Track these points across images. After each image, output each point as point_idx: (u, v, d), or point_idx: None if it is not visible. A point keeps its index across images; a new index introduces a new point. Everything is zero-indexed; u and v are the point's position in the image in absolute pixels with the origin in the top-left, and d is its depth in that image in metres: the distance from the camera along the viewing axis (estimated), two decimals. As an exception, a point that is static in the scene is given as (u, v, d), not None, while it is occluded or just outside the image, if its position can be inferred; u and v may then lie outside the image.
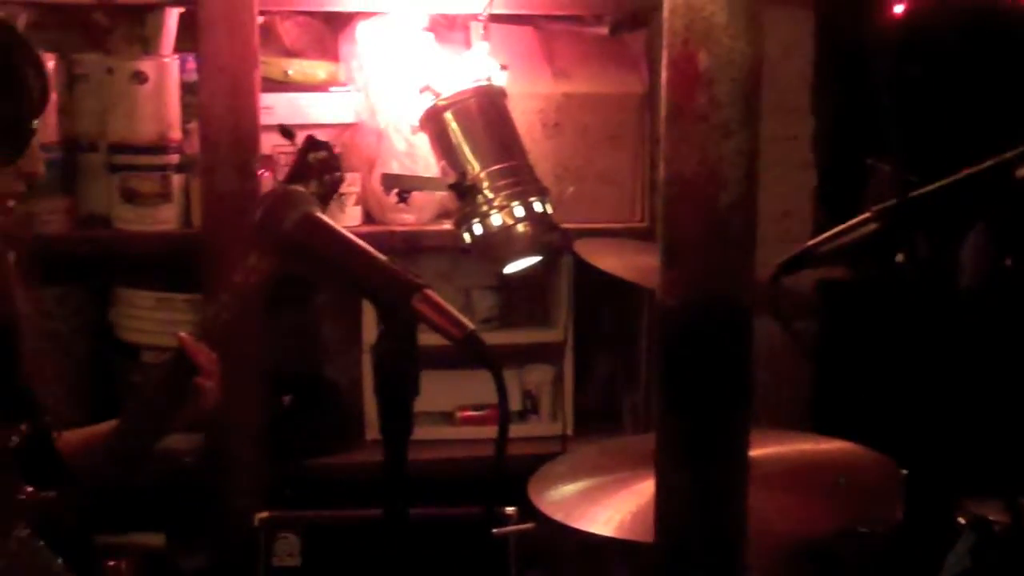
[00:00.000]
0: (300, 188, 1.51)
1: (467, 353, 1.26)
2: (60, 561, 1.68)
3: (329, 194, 1.83)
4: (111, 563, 1.79)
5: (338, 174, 1.85)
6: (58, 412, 1.79)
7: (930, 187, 1.37)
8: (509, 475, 1.47)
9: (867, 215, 1.40)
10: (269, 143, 2.79)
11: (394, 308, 1.27)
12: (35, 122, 1.62)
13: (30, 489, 1.70)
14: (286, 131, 2.07)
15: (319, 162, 1.84)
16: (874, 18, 2.66)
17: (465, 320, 1.26)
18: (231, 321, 1.80)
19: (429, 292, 1.28)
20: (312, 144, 1.86)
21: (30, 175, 1.65)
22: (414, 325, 1.27)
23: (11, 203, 1.65)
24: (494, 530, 2.26)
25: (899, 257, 1.53)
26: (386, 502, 1.32)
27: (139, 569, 1.87)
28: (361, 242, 1.37)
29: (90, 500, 1.73)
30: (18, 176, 1.63)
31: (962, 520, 1.92)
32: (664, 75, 1.19)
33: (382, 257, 1.33)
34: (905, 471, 1.86)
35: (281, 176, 1.91)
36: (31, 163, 1.63)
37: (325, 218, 1.38)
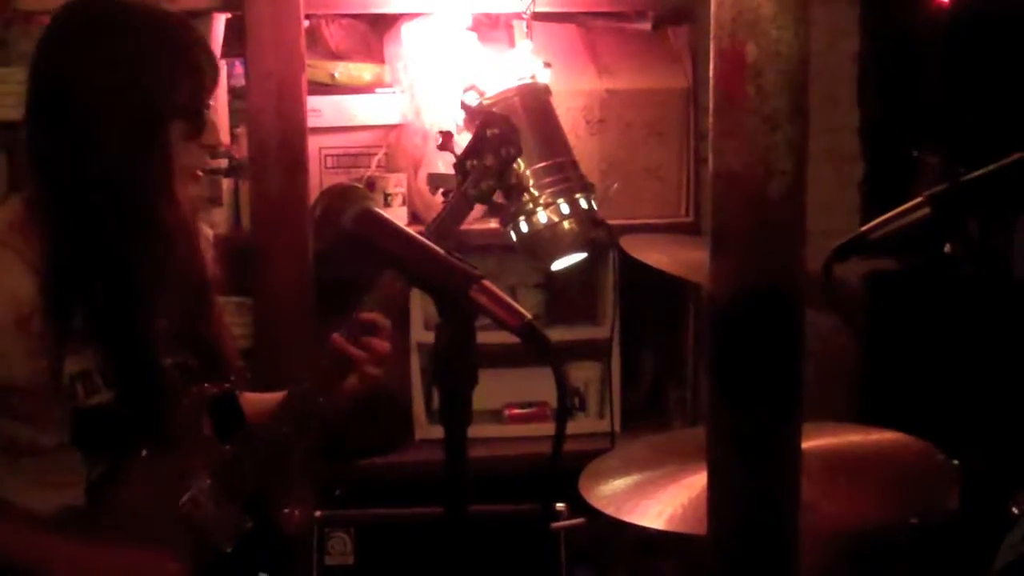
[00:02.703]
0: (357, 184, 1.54)
1: (525, 342, 1.28)
2: (239, 509, 1.84)
3: (505, 167, 1.92)
4: (286, 511, 1.90)
5: (514, 149, 1.94)
6: None
7: (983, 171, 1.36)
8: (558, 471, 1.47)
9: (920, 200, 1.40)
10: (316, 145, 2.82)
11: (452, 299, 1.29)
12: (210, 101, 1.84)
13: (215, 440, 1.89)
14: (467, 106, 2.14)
15: (496, 136, 1.92)
16: (920, 7, 2.64)
17: (522, 309, 1.28)
18: (405, 290, 1.95)
19: (486, 283, 1.29)
20: (489, 119, 1.93)
21: (212, 147, 1.88)
22: (472, 315, 1.29)
23: (200, 173, 1.88)
24: (552, 524, 2.27)
25: (947, 248, 1.53)
26: (446, 492, 1.33)
27: (312, 518, 2.01)
28: (417, 235, 1.39)
29: (269, 454, 1.87)
30: (202, 148, 1.85)
31: (1015, 510, 1.91)
32: (712, 67, 1.20)
33: (439, 249, 1.36)
34: (957, 461, 1.85)
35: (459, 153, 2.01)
36: (212, 136, 1.85)
37: (382, 212, 1.41)
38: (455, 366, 1.29)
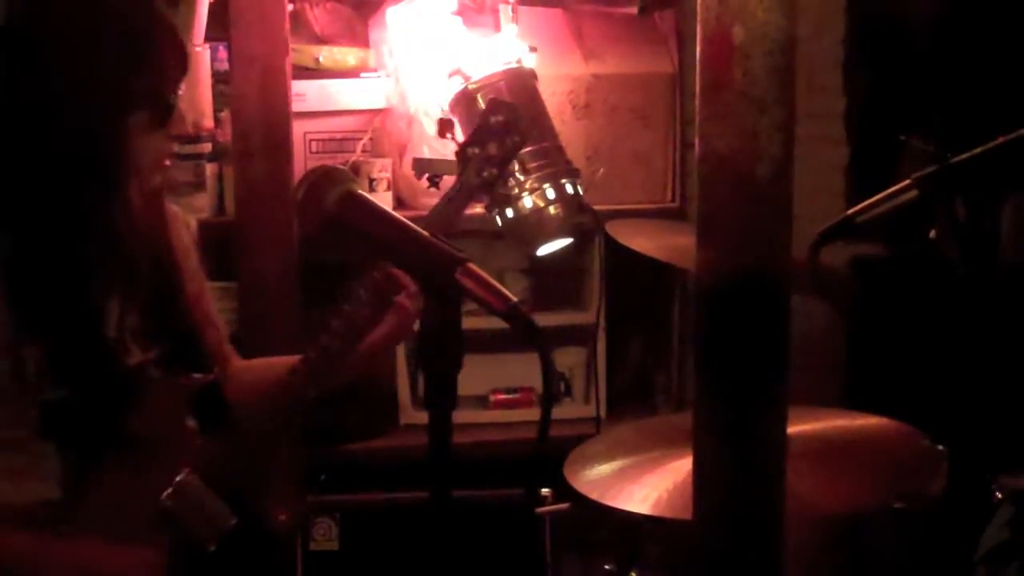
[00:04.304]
0: (341, 166, 1.52)
1: (511, 325, 1.27)
2: (224, 506, 1.77)
3: (508, 156, 1.89)
4: (274, 511, 1.86)
5: (518, 138, 1.91)
6: None
7: (970, 154, 1.36)
8: (544, 456, 1.47)
9: (906, 183, 1.40)
10: (301, 130, 2.81)
11: (437, 282, 1.28)
12: (177, 90, 1.78)
13: (198, 434, 1.83)
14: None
15: (500, 124, 1.89)
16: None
17: (507, 292, 1.27)
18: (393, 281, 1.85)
19: (471, 266, 1.29)
20: (494, 107, 1.89)
21: (177, 136, 1.83)
22: (457, 299, 1.28)
23: (167, 162, 1.83)
24: (537, 510, 2.27)
25: (932, 233, 1.53)
26: (431, 477, 1.33)
27: (303, 518, 1.93)
28: (403, 218, 1.38)
29: (260, 447, 1.82)
30: (167, 137, 1.79)
31: (999, 494, 1.91)
32: (699, 50, 1.19)
33: (424, 232, 1.35)
34: (942, 446, 1.85)
35: (463, 139, 1.97)
36: (180, 125, 1.80)
37: (366, 195, 1.39)
38: (440, 350, 1.28)
